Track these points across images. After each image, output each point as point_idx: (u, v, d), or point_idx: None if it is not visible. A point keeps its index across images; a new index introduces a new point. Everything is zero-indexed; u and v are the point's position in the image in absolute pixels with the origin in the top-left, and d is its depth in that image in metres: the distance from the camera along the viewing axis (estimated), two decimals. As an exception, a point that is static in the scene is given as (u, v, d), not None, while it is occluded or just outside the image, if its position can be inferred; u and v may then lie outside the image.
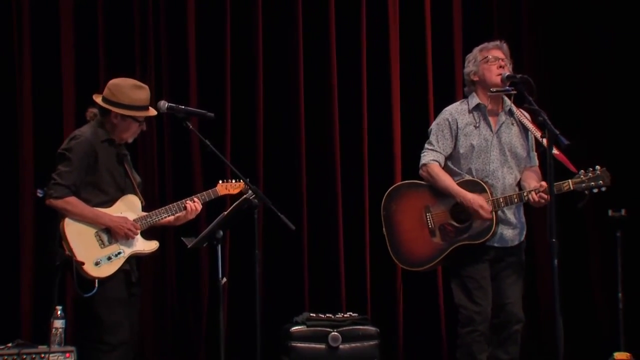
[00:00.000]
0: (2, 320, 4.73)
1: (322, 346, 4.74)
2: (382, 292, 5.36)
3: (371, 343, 4.81)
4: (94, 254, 3.62)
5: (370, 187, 5.32)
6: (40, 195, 3.76)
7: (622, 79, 5.49)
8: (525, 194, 3.81)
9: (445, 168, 3.96)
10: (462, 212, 3.88)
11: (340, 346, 4.75)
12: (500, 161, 3.91)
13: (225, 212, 3.66)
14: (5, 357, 3.91)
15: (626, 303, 4.88)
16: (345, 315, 4.92)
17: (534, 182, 3.87)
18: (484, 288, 3.84)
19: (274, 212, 3.57)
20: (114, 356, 3.62)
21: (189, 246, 3.73)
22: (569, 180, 3.75)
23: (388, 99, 5.43)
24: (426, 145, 3.98)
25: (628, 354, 4.80)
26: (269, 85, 5.30)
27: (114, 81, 3.77)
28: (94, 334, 3.64)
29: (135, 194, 3.79)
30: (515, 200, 3.84)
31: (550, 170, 3.38)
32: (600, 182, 3.73)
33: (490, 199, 3.84)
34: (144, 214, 3.77)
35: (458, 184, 3.90)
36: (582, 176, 3.75)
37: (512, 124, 3.96)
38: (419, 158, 4.00)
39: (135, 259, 3.76)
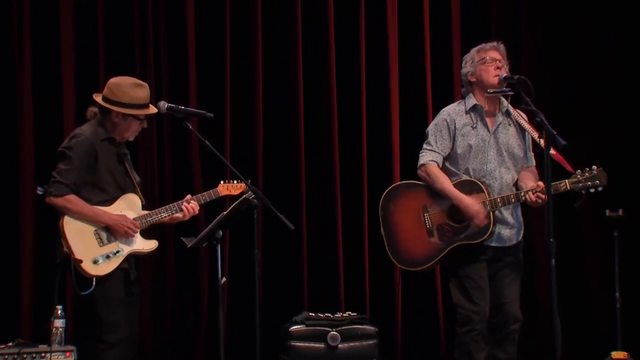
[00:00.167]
0: (2, 320, 4.73)
1: (321, 345, 4.76)
2: (381, 292, 5.37)
3: (370, 342, 4.82)
4: (92, 252, 3.63)
5: (369, 187, 5.33)
6: (40, 193, 3.77)
7: (620, 79, 5.50)
8: (522, 194, 3.83)
9: (443, 168, 3.98)
10: (459, 213, 3.89)
11: (339, 345, 4.76)
12: (497, 161, 3.93)
13: (225, 212, 3.66)
14: (6, 357, 3.93)
15: (623, 302, 4.88)
16: (344, 315, 4.93)
17: (531, 182, 3.89)
18: (481, 288, 3.86)
19: (273, 212, 3.58)
20: (113, 354, 3.63)
21: (188, 246, 3.74)
22: (566, 180, 3.76)
23: (387, 99, 5.44)
24: (424, 146, 4.00)
25: (625, 353, 4.82)
26: (269, 86, 5.31)
27: (113, 80, 3.78)
28: (93, 333, 3.66)
29: (136, 192, 3.80)
30: (513, 200, 3.85)
31: (547, 170, 3.39)
32: (597, 182, 3.74)
33: (488, 199, 3.86)
34: (144, 213, 3.79)
35: (455, 184, 3.91)
36: (578, 176, 3.76)
37: (509, 125, 3.98)
38: (417, 158, 4.02)
39: (134, 258, 3.77)
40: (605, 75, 5.52)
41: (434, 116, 4.20)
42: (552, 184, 3.55)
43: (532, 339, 5.23)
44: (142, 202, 3.81)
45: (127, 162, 3.83)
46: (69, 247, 3.59)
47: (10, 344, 4.09)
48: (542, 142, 3.50)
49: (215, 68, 5.23)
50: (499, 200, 3.84)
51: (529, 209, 4.07)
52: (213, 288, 4.97)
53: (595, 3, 5.59)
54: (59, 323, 3.98)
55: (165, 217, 3.82)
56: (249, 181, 3.76)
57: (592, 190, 3.75)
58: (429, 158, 3.94)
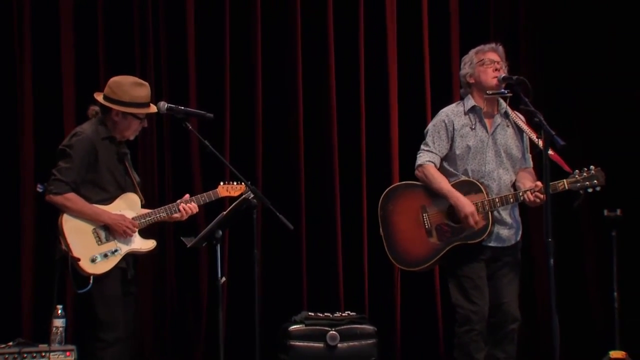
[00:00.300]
0: (2, 319, 4.74)
1: (321, 345, 4.77)
2: (380, 292, 5.38)
3: (369, 342, 4.84)
4: (90, 250, 3.63)
5: (368, 187, 5.34)
6: (40, 191, 3.78)
7: (618, 79, 5.51)
8: (520, 194, 3.84)
9: (441, 169, 3.99)
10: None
11: (339, 345, 4.78)
12: (495, 162, 3.94)
13: (225, 212, 3.67)
14: (6, 356, 3.94)
15: (622, 302, 4.90)
16: (343, 314, 4.94)
17: (528, 182, 3.90)
18: (480, 287, 3.87)
19: (273, 212, 3.58)
20: (110, 353, 3.64)
21: (188, 246, 3.74)
22: (564, 180, 3.78)
23: (386, 100, 5.45)
24: (422, 147, 4.01)
25: (623, 352, 4.83)
26: (268, 86, 5.32)
27: (114, 79, 3.78)
28: (90, 331, 3.66)
29: (135, 192, 3.81)
30: (511, 200, 3.87)
31: (546, 170, 3.41)
32: (595, 181, 3.76)
33: (486, 199, 3.87)
34: (143, 212, 3.79)
35: (454, 185, 3.92)
36: (577, 176, 3.78)
37: (508, 126, 3.99)
38: (416, 159, 4.03)
39: (132, 257, 3.77)
40: (603, 76, 5.53)
41: (432, 117, 4.21)
42: (551, 183, 3.57)
43: (531, 338, 5.25)
44: (141, 201, 3.82)
45: (127, 162, 3.83)
46: (67, 245, 3.60)
47: (11, 343, 4.10)
48: (540, 142, 3.51)
49: (215, 68, 5.24)
50: (497, 200, 3.85)
51: (527, 209, 4.08)
52: (213, 288, 4.99)
53: (594, 4, 5.60)
54: (59, 322, 3.99)
55: (164, 217, 3.83)
56: (249, 182, 3.76)
57: (590, 190, 3.76)
58: (426, 159, 3.96)
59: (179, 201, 3.88)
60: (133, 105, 3.73)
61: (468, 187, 3.89)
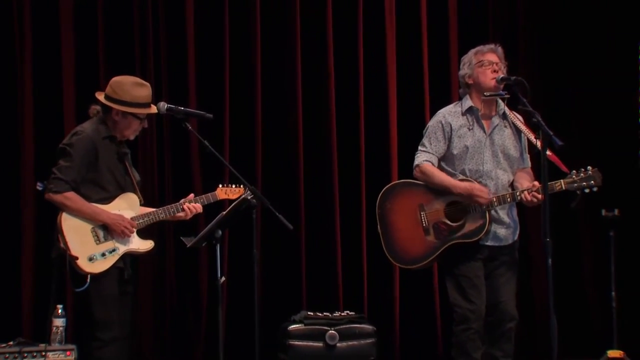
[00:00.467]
0: (3, 319, 4.75)
1: (320, 344, 4.78)
2: (379, 291, 5.39)
3: (368, 341, 4.85)
4: (88, 249, 3.63)
5: (367, 187, 5.35)
6: (40, 189, 3.78)
7: (616, 79, 5.53)
8: (518, 194, 3.86)
9: (439, 169, 4.00)
10: (456, 211, 3.92)
11: (338, 344, 4.79)
12: (493, 162, 3.95)
13: (224, 212, 3.67)
14: (7, 355, 3.95)
15: (619, 302, 4.92)
16: (342, 314, 4.96)
17: (526, 182, 3.92)
18: (477, 287, 3.88)
19: (272, 212, 3.59)
20: (107, 352, 3.64)
21: (188, 245, 3.74)
22: (561, 180, 3.79)
23: (385, 100, 5.46)
24: (420, 147, 4.03)
25: (621, 351, 4.85)
26: (267, 86, 5.33)
27: (116, 79, 3.79)
28: (88, 331, 3.66)
29: (135, 192, 3.81)
30: (508, 199, 3.88)
31: (544, 170, 3.41)
32: (592, 182, 3.77)
33: (484, 198, 3.89)
34: (142, 212, 3.80)
35: (452, 182, 3.95)
36: (574, 176, 3.79)
37: (505, 127, 4.00)
38: (414, 159, 4.05)
39: (130, 257, 3.77)
40: (601, 76, 5.54)
41: (431, 117, 4.21)
42: (548, 184, 3.58)
43: (529, 338, 5.26)
44: (140, 201, 3.82)
45: (127, 161, 3.83)
46: (65, 244, 3.60)
47: (11, 342, 4.11)
48: (538, 143, 3.53)
49: (214, 69, 5.25)
50: (494, 199, 3.87)
51: (525, 209, 4.09)
52: (212, 287, 5.00)
53: (592, 4, 5.62)
54: (59, 322, 4.01)
55: (163, 217, 3.84)
56: (248, 182, 3.77)
57: (587, 190, 3.77)
58: (424, 158, 3.97)
59: (183, 200, 3.88)
60: (134, 105, 3.74)
61: None
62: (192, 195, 3.92)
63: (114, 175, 3.75)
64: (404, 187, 4.08)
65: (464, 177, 3.93)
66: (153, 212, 3.81)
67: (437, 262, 4.17)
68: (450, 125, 3.97)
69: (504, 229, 3.95)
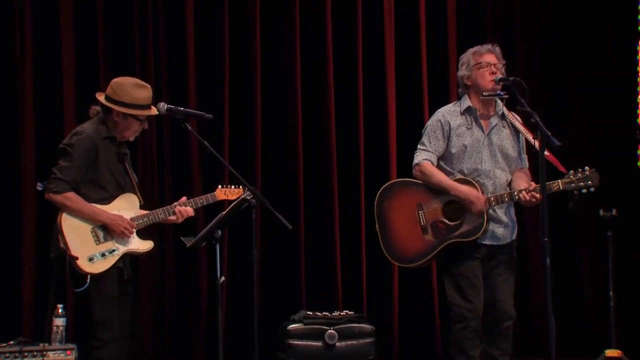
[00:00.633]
0: (3, 318, 4.76)
1: (319, 344, 4.79)
2: (378, 291, 5.40)
3: (367, 340, 4.87)
4: (88, 249, 3.64)
5: (366, 187, 5.36)
6: (40, 189, 3.79)
7: (613, 79, 5.54)
8: (515, 194, 3.87)
9: (438, 168, 4.01)
10: (454, 210, 3.94)
11: (337, 344, 4.80)
12: (491, 162, 3.97)
13: (224, 212, 3.67)
14: (7, 355, 3.96)
15: (617, 301, 4.93)
16: (341, 314, 4.97)
17: (524, 182, 3.92)
18: (475, 286, 3.89)
19: (272, 212, 3.60)
20: (107, 352, 3.65)
21: (187, 245, 3.73)
22: (559, 180, 3.80)
23: (384, 99, 5.48)
24: (419, 146, 4.04)
25: (619, 351, 4.87)
26: (267, 87, 5.34)
27: (116, 80, 3.79)
28: (87, 331, 3.67)
29: (134, 192, 3.82)
30: (506, 199, 3.89)
31: (542, 171, 3.42)
32: (589, 182, 3.78)
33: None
34: (142, 213, 3.80)
35: (451, 181, 3.96)
36: (571, 176, 3.80)
37: (504, 127, 4.01)
38: (413, 158, 4.06)
39: (129, 257, 3.78)
40: (600, 76, 5.56)
41: (430, 116, 4.23)
42: (546, 183, 3.58)
43: (526, 337, 5.28)
44: (140, 202, 3.83)
45: (126, 162, 3.84)
46: (65, 244, 3.60)
47: (12, 342, 4.11)
48: (537, 143, 3.54)
49: (214, 69, 5.26)
50: (492, 199, 3.88)
51: (524, 209, 4.10)
52: (212, 287, 5.01)
53: (590, 4, 5.63)
54: (59, 322, 4.01)
55: (162, 218, 3.85)
56: (248, 182, 3.78)
57: (584, 190, 3.78)
58: (423, 157, 3.98)
59: (175, 204, 3.89)
60: (134, 106, 3.74)
61: (464, 184, 3.92)
62: (184, 198, 3.92)
63: (114, 175, 3.76)
64: (403, 186, 4.09)
65: (463, 177, 3.94)
66: (152, 212, 3.82)
67: (435, 261, 4.18)
68: (449, 124, 3.99)
69: (502, 228, 3.97)
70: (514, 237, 4.02)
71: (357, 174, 5.41)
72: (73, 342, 4.03)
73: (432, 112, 4.21)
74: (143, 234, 3.81)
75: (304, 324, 4.83)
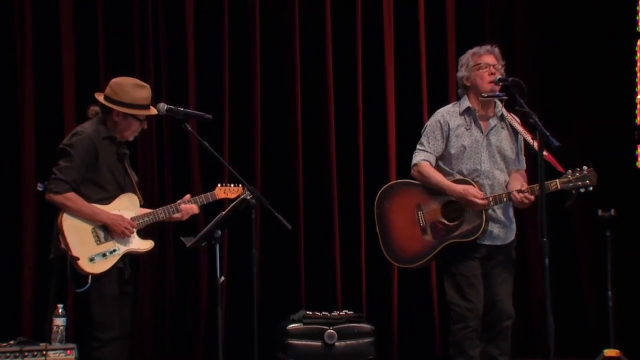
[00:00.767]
0: (3, 318, 4.77)
1: (319, 343, 4.80)
2: (377, 291, 5.41)
3: (366, 340, 4.88)
4: (89, 250, 3.64)
5: (365, 187, 5.37)
6: (41, 189, 3.78)
7: (612, 79, 5.56)
8: (506, 194, 3.89)
9: (437, 168, 4.01)
10: (453, 211, 3.95)
11: (336, 343, 4.81)
12: (490, 162, 3.98)
13: (224, 212, 3.67)
14: (7, 354, 3.97)
15: (616, 301, 4.94)
16: (341, 313, 4.98)
17: (518, 183, 3.94)
18: (475, 285, 3.90)
19: (271, 212, 3.61)
20: (106, 352, 3.65)
21: (187, 245, 3.74)
22: (557, 180, 3.80)
23: (383, 100, 5.48)
24: (417, 146, 4.04)
25: (618, 351, 4.88)
26: (266, 87, 5.35)
27: (116, 80, 3.80)
28: (87, 330, 3.67)
29: (134, 192, 3.83)
30: (505, 199, 3.90)
31: (541, 171, 3.43)
32: (587, 182, 3.78)
33: (481, 197, 3.91)
34: (142, 212, 3.80)
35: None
36: (569, 176, 3.80)
37: (503, 128, 4.01)
38: (412, 159, 4.07)
39: (131, 257, 3.79)
40: (598, 76, 5.57)
41: (429, 116, 4.24)
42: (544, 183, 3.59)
43: (526, 336, 5.29)
44: (140, 201, 3.84)
45: (126, 162, 3.84)
46: (66, 244, 3.61)
47: (12, 341, 4.12)
48: (535, 143, 3.54)
49: (214, 69, 5.27)
50: (491, 199, 3.89)
51: (523, 209, 4.11)
52: (212, 287, 5.02)
53: (590, 4, 5.64)
54: (59, 321, 4.02)
55: (162, 218, 3.86)
56: (247, 182, 3.78)
57: (582, 190, 3.79)
58: (421, 157, 3.99)
59: (179, 201, 3.89)
60: (134, 106, 3.75)
61: (462, 185, 3.92)
62: (188, 196, 3.94)
63: (114, 175, 3.76)
64: (402, 186, 4.10)
65: (462, 177, 3.95)
66: (152, 212, 3.82)
67: (435, 261, 4.19)
68: (448, 125, 3.99)
69: (501, 228, 3.97)
70: (513, 237, 4.03)
71: (356, 174, 5.42)
72: (73, 342, 4.05)
73: (431, 112, 4.21)
74: (143, 233, 3.81)
75: (304, 324, 4.84)
